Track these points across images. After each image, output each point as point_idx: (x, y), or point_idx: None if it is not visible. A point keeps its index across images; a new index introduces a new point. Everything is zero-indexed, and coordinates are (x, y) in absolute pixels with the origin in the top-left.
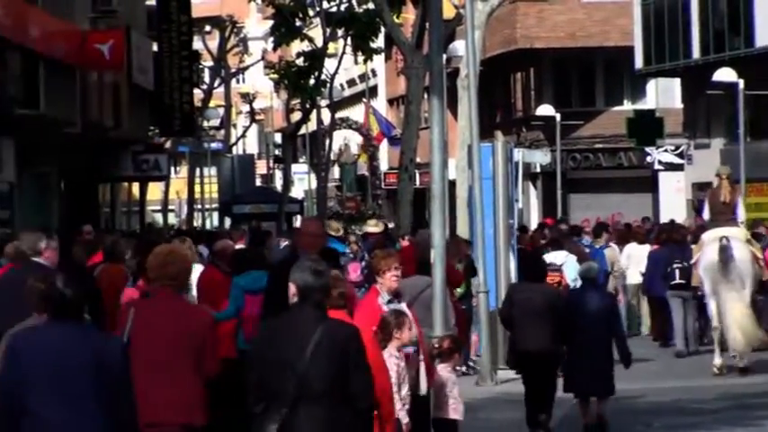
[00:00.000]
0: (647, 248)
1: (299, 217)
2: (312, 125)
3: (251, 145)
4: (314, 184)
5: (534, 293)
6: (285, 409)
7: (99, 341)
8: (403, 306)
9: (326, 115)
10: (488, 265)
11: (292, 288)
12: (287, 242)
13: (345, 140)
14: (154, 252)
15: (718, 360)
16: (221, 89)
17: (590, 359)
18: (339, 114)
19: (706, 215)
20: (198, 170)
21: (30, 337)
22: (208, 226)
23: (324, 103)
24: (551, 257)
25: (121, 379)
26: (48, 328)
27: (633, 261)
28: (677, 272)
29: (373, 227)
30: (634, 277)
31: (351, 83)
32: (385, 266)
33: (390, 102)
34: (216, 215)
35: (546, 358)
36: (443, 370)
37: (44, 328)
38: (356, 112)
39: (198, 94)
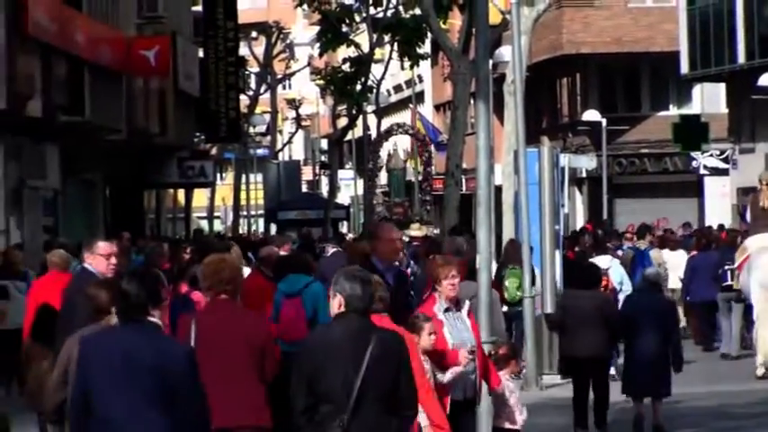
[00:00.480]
0: (681, 254)
1: (344, 223)
2: (358, 131)
3: (297, 151)
4: (360, 190)
5: (585, 300)
6: (345, 416)
7: (164, 344)
8: (462, 315)
9: (373, 121)
10: (534, 271)
11: (339, 299)
12: (334, 248)
13: (394, 146)
14: (206, 261)
15: (761, 364)
16: (267, 95)
17: (650, 361)
18: (386, 120)
19: (749, 220)
20: (244, 176)
21: (98, 339)
22: (254, 231)
23: (370, 108)
24: (596, 262)
25: (191, 384)
26: (115, 330)
27: (670, 267)
28: (728, 273)
29: (416, 231)
30: (673, 282)
31: (397, 89)
32: (443, 274)
33: (437, 107)
34: (261, 221)
35: (598, 364)
36: (500, 377)
37: (112, 331)
38: (402, 118)
39: (244, 100)
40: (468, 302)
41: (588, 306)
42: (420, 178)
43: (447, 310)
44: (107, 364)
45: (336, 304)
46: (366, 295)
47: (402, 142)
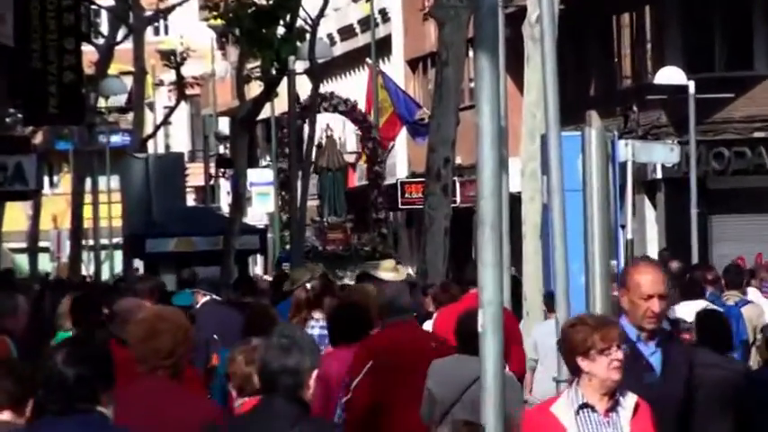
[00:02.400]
0: None
1: (258, 259)
2: (281, 104)
3: (178, 138)
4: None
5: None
6: None
7: None
8: (618, 419)
9: (305, 87)
10: None
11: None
12: (206, 296)
13: (328, 131)
14: (135, 321)
15: None
16: (128, 44)
17: None
18: (328, 87)
19: None
20: (89, 181)
21: None
22: (106, 273)
23: (301, 66)
24: (682, 312)
25: None
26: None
27: None
28: None
29: (390, 272)
30: None
31: (346, 33)
32: (600, 343)
33: (411, 64)
34: (119, 256)
35: None
36: None
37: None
38: (354, 83)
39: (89, 53)
40: (632, 398)
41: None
42: (365, 181)
43: (584, 407)
44: None
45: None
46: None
47: (348, 125)
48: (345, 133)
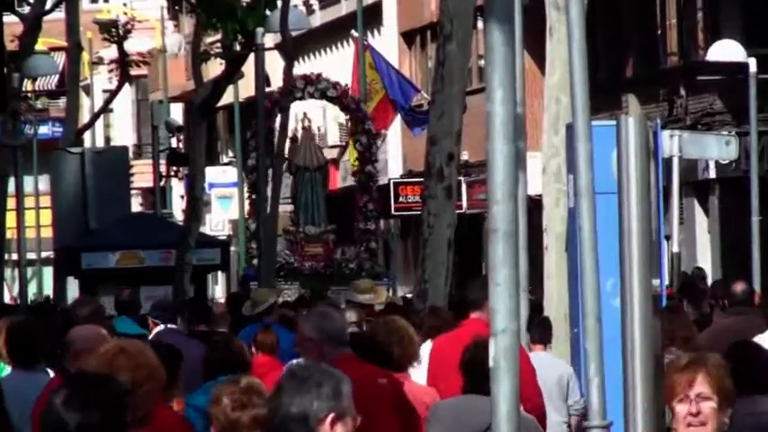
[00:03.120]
0: None
1: (220, 277)
2: (247, 87)
3: (121, 129)
4: (249, 209)
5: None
6: None
7: None
8: None
9: (276, 66)
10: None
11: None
12: (162, 326)
13: (305, 121)
14: (94, 356)
15: None
16: (59, 14)
17: None
18: (306, 65)
19: None
20: (11, 181)
21: None
22: (31, 293)
23: (271, 40)
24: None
25: None
26: None
27: None
28: None
29: (368, 294)
30: None
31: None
32: (678, 390)
33: (407, 38)
34: (48, 273)
35: None
36: None
37: None
38: (336, 60)
39: (12, 24)
40: None
41: None
42: (354, 182)
43: None
44: None
45: None
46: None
47: (329, 111)
48: (326, 122)
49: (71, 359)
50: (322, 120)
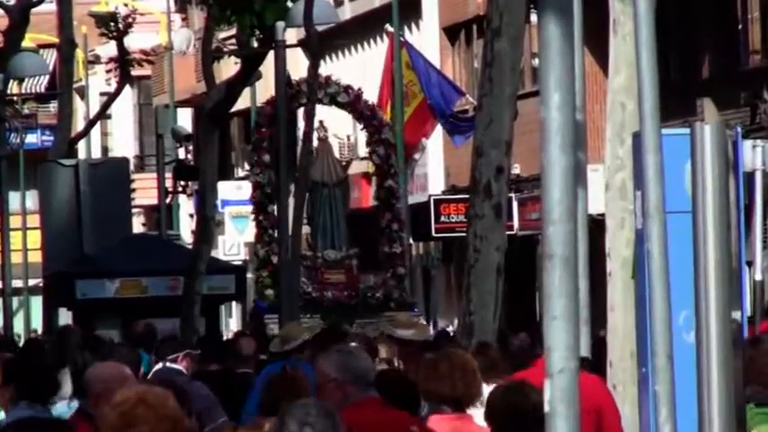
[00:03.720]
0: None
1: (235, 308)
2: (265, 90)
3: (121, 138)
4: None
5: None
6: None
7: None
8: None
9: (299, 64)
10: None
11: None
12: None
13: (321, 131)
14: (112, 403)
15: None
16: (50, 6)
17: None
18: (334, 65)
19: None
20: None
21: None
22: (18, 326)
23: (293, 36)
24: None
25: None
26: None
27: None
28: None
29: (410, 330)
30: None
31: None
32: None
33: (450, 33)
34: (37, 303)
35: None
36: None
37: None
38: (368, 59)
39: None
40: None
41: None
42: (374, 201)
43: None
44: None
45: None
46: None
47: (343, 121)
48: (357, 132)
49: (92, 401)
50: (352, 129)
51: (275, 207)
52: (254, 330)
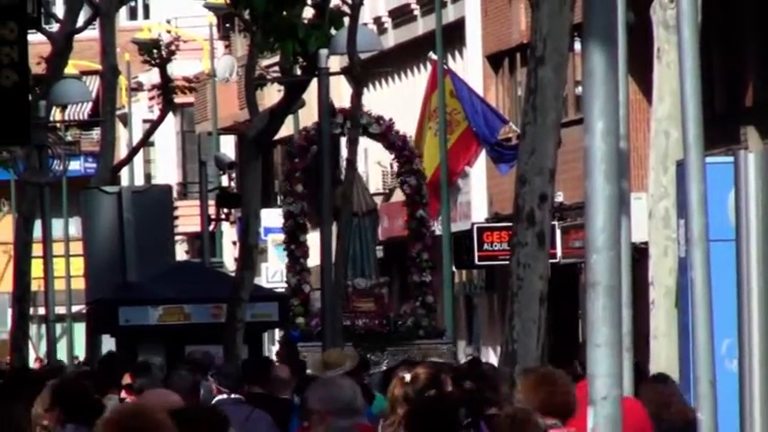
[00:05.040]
0: None
1: (278, 334)
2: (309, 116)
3: (164, 165)
4: (316, 258)
5: None
6: None
7: None
8: None
9: (342, 92)
10: None
11: None
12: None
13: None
14: (106, 420)
15: None
16: (94, 33)
17: None
18: (378, 95)
19: None
20: (38, 225)
21: None
22: (62, 353)
23: (336, 64)
24: None
25: None
26: None
27: None
28: None
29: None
30: None
31: (400, 17)
32: None
33: (493, 61)
34: (80, 329)
35: None
36: None
37: None
38: (412, 87)
39: (38, 43)
40: None
41: None
42: (407, 233)
43: None
44: None
45: None
46: None
47: (366, 155)
48: (368, 167)
49: None
50: (363, 164)
51: (306, 237)
52: (286, 358)
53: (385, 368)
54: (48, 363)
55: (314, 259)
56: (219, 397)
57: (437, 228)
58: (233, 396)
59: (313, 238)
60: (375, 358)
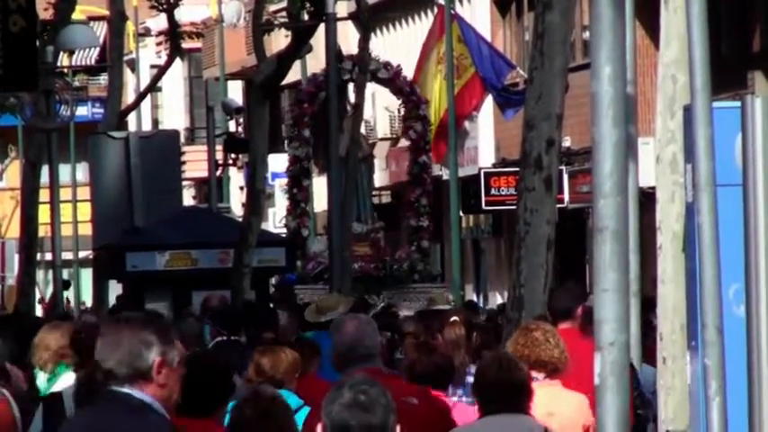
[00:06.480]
0: None
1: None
2: (316, 62)
3: (171, 110)
4: (323, 200)
5: None
6: None
7: None
8: None
9: (349, 37)
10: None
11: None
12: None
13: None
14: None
15: None
16: None
17: None
18: (381, 39)
19: None
20: (45, 171)
21: None
22: (72, 299)
23: (343, 9)
24: None
25: None
26: None
27: None
28: None
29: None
30: None
31: None
32: None
33: (500, 5)
34: (87, 274)
35: None
36: None
37: None
38: (419, 32)
39: None
40: None
41: None
42: (408, 178)
43: None
44: None
45: None
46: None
47: (378, 96)
48: (375, 111)
49: None
50: (371, 109)
51: (310, 182)
52: (281, 301)
53: (379, 311)
54: (53, 306)
55: (316, 205)
56: (217, 339)
57: (444, 173)
58: (232, 338)
59: (316, 183)
60: (371, 301)
